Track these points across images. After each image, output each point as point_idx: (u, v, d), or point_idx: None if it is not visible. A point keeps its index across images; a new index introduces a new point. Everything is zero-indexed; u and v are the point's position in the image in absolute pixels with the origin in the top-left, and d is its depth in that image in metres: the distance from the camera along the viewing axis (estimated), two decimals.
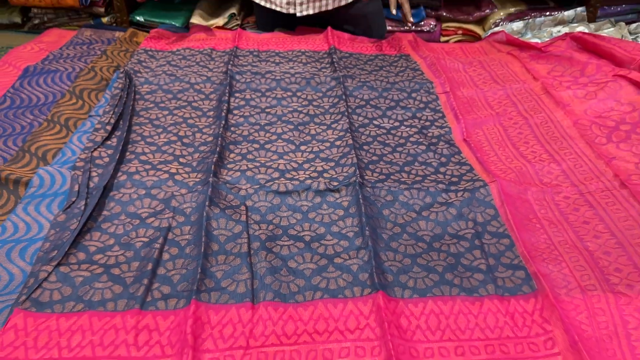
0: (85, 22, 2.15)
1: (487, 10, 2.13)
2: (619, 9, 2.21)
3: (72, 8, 2.12)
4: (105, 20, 2.15)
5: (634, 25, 1.60)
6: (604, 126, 1.11)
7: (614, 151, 1.04)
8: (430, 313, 0.70)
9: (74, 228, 0.78)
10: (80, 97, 1.13)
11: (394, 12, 1.28)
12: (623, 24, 1.61)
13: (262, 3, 1.49)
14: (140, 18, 2.12)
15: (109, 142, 0.97)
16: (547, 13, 1.85)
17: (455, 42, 1.81)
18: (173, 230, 0.80)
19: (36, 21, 2.17)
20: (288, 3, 1.45)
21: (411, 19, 1.30)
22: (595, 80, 1.24)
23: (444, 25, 2.16)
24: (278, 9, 1.47)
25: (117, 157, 0.92)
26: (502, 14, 2.10)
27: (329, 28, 1.45)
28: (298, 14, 1.46)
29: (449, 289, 0.73)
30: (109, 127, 1.00)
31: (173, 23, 2.08)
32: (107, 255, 0.75)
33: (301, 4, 1.44)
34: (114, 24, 2.16)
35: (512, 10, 2.10)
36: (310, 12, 1.46)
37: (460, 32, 2.15)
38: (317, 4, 1.45)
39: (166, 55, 1.34)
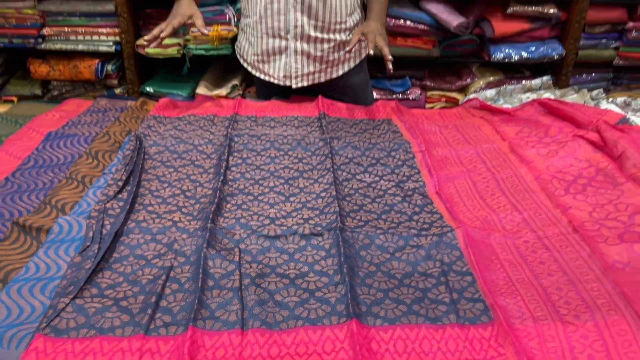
0: (100, 92, 2.36)
1: (469, 80, 2.32)
2: (589, 77, 2.41)
3: (88, 80, 2.34)
4: (117, 91, 2.36)
5: (595, 92, 1.77)
6: (563, 180, 1.23)
7: (570, 202, 1.16)
8: (398, 338, 0.80)
9: (88, 268, 0.89)
10: (96, 158, 1.27)
11: (371, 52, 1.40)
12: (585, 90, 1.78)
13: (262, 77, 1.67)
14: (150, 89, 2.32)
15: (120, 196, 1.10)
16: (518, 82, 2.03)
17: (440, 108, 1.98)
18: (174, 269, 0.91)
19: (55, 92, 2.38)
20: (285, 77, 1.62)
21: (390, 58, 1.37)
22: (557, 140, 1.39)
23: (429, 93, 2.35)
24: (276, 81, 1.64)
25: (127, 208, 1.05)
26: (482, 82, 2.29)
27: (320, 96, 1.62)
28: (294, 86, 1.63)
29: (416, 318, 0.83)
30: (120, 183, 1.13)
31: (180, 93, 2.27)
32: (116, 290, 0.86)
33: (296, 77, 1.62)
34: (126, 94, 2.36)
35: (491, 79, 2.30)
36: (305, 84, 1.63)
37: (443, 99, 2.33)
38: (311, 77, 1.63)
39: (173, 121, 1.50)
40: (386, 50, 1.37)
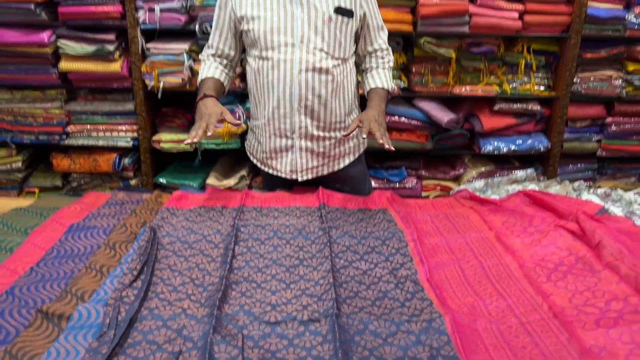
0: (116, 184, 2.52)
1: (461, 170, 2.47)
2: (576, 167, 2.55)
3: (106, 173, 2.51)
4: (133, 182, 2.52)
5: (577, 184, 1.89)
6: (545, 267, 1.33)
7: (551, 289, 1.24)
8: None
9: (105, 352, 0.98)
10: (113, 248, 1.38)
11: (364, 136, 1.51)
12: (567, 182, 1.91)
13: (270, 171, 1.82)
14: (163, 180, 2.48)
15: (135, 284, 1.20)
16: (507, 173, 2.17)
17: (434, 197, 2.11)
18: (183, 354, 0.99)
19: (74, 184, 2.54)
20: (292, 171, 1.77)
21: (381, 141, 1.46)
22: (540, 229, 1.49)
23: (425, 182, 2.49)
24: (283, 175, 1.79)
25: (142, 296, 1.14)
26: (474, 172, 2.44)
27: (320, 188, 1.75)
28: (299, 180, 1.77)
29: None
30: (135, 272, 1.24)
31: (192, 184, 2.43)
32: None
33: (302, 171, 1.77)
34: (141, 185, 2.52)
35: (482, 169, 2.45)
36: (309, 177, 1.78)
37: (438, 188, 2.47)
38: (315, 170, 1.78)
39: (185, 212, 1.63)
40: (378, 135, 1.49)
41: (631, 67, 2.37)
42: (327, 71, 1.63)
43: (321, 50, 1.61)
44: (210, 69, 1.72)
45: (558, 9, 2.30)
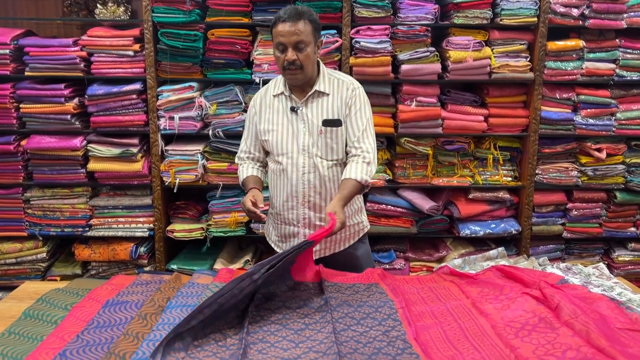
0: (131, 271, 2.75)
1: (444, 252, 2.75)
2: (546, 248, 2.85)
3: (122, 261, 2.75)
4: (147, 269, 2.76)
5: (541, 259, 2.17)
6: (514, 327, 1.57)
7: (518, 343, 1.48)
8: None
9: None
10: (145, 318, 1.62)
11: (326, 226, 1.73)
12: (534, 258, 2.19)
13: (277, 249, 2.10)
14: (174, 266, 2.72)
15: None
16: (480, 254, 2.45)
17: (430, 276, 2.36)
18: None
19: (93, 272, 2.77)
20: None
21: (322, 224, 1.87)
22: (510, 297, 1.75)
23: (412, 264, 2.76)
24: None
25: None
26: (456, 253, 2.72)
27: (320, 265, 2.00)
28: None
29: None
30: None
31: (201, 269, 2.66)
32: None
33: None
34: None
35: (462, 251, 2.73)
36: (314, 258, 2.04)
37: (425, 268, 2.73)
38: (317, 252, 2.06)
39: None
40: (326, 218, 1.77)
41: (584, 159, 2.75)
42: (323, 172, 1.96)
43: (316, 155, 1.96)
44: (249, 169, 2.07)
45: (517, 113, 2.72)
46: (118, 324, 1.60)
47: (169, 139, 2.71)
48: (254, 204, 1.87)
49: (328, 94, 1.96)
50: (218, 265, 2.71)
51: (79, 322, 1.62)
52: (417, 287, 1.94)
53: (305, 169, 1.96)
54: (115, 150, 2.62)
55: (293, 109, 1.96)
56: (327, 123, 1.95)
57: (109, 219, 2.71)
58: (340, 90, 1.97)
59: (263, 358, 1.38)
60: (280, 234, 2.07)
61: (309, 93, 1.95)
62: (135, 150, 2.62)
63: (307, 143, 1.95)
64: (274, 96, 2.00)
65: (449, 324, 1.64)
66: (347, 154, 2.03)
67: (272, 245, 2.14)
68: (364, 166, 1.93)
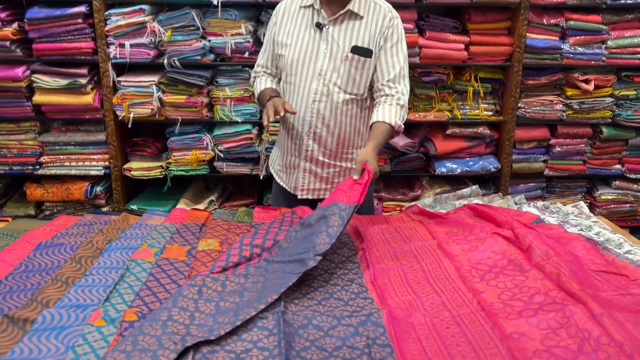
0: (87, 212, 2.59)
1: (419, 192, 2.61)
2: (526, 187, 2.72)
3: (78, 201, 2.59)
4: (105, 209, 2.60)
5: (517, 197, 2.04)
6: (480, 270, 1.45)
7: (483, 287, 1.36)
8: None
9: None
10: (79, 262, 1.47)
11: (355, 177, 1.59)
12: (509, 196, 2.05)
13: (280, 183, 1.96)
14: (134, 207, 2.57)
15: None
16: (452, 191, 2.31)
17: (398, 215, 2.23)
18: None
19: (47, 212, 2.62)
20: (294, 187, 1.91)
21: (355, 177, 1.58)
22: (479, 237, 1.62)
23: (385, 203, 2.62)
24: (287, 189, 1.93)
25: None
26: (431, 193, 2.58)
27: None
28: (298, 197, 1.89)
29: None
30: None
31: (163, 210, 2.51)
32: None
33: (302, 190, 1.90)
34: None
35: (438, 189, 2.59)
36: (309, 197, 1.90)
37: (398, 208, 2.60)
38: (316, 192, 1.90)
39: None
40: (358, 169, 1.60)
41: (570, 92, 2.57)
42: (337, 104, 1.76)
43: (335, 84, 1.75)
44: (267, 82, 1.87)
45: (500, 40, 2.50)
46: (49, 268, 1.46)
47: (121, 69, 2.48)
48: (283, 105, 1.68)
49: (362, 17, 1.73)
50: (181, 206, 2.56)
51: (5, 266, 1.47)
52: (382, 227, 1.80)
53: (317, 97, 1.76)
54: (62, 81, 2.39)
55: (319, 25, 1.73)
56: (357, 51, 1.73)
57: (61, 157, 2.53)
58: (376, 16, 1.74)
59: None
60: (282, 163, 1.94)
61: (341, 12, 1.72)
62: (84, 81, 2.39)
63: (325, 68, 1.75)
64: (301, 7, 1.77)
65: (411, 266, 1.51)
66: (371, 90, 1.81)
67: (273, 174, 2.00)
68: (398, 109, 1.74)
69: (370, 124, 1.76)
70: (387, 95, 1.76)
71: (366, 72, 1.76)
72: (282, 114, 1.67)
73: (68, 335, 1.15)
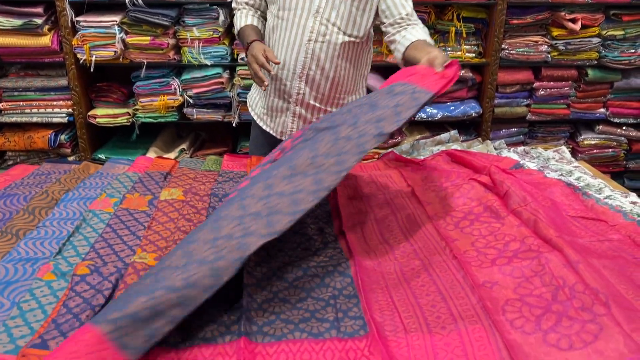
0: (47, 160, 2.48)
1: (399, 138, 2.53)
2: (508, 132, 2.65)
3: (42, 150, 2.47)
4: (71, 159, 2.49)
5: (497, 142, 1.97)
6: (455, 217, 1.39)
7: (457, 235, 1.31)
8: (282, 352, 0.91)
9: None
10: (32, 213, 1.38)
11: (439, 69, 1.33)
12: (489, 141, 1.98)
13: (264, 127, 1.82)
14: (102, 156, 2.46)
15: None
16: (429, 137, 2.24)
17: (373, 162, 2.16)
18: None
19: (10, 162, 2.50)
20: (282, 132, 1.79)
21: (440, 69, 1.33)
22: (455, 183, 1.56)
23: None
24: (272, 134, 1.81)
25: None
26: (411, 139, 2.50)
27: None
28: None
29: (300, 334, 0.95)
30: None
31: (131, 159, 2.41)
32: None
33: (291, 135, 1.77)
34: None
35: (418, 136, 2.51)
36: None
37: (376, 156, 2.51)
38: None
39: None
40: (439, 62, 1.34)
41: (555, 32, 2.46)
42: (335, 46, 1.63)
43: (334, 24, 1.61)
44: (248, 17, 1.72)
45: None
46: None
47: (80, 8, 2.31)
48: (267, 59, 1.53)
49: None
50: (151, 154, 2.46)
51: None
52: (357, 175, 1.73)
53: (312, 36, 1.62)
54: (17, 22, 2.22)
55: None
56: None
57: (21, 103, 2.39)
58: None
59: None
60: (267, 105, 1.78)
61: None
62: (40, 21, 2.23)
63: (324, 4, 1.59)
64: None
65: (385, 215, 1.45)
66: (380, 27, 1.67)
67: (255, 117, 1.85)
68: (426, 31, 1.62)
69: (407, 45, 1.57)
70: (410, 24, 1.61)
71: (368, 12, 1.62)
72: (273, 72, 1.56)
73: (15, 291, 1.08)
